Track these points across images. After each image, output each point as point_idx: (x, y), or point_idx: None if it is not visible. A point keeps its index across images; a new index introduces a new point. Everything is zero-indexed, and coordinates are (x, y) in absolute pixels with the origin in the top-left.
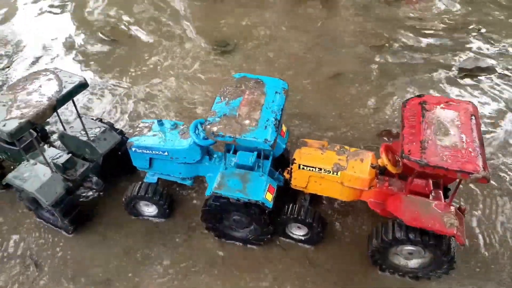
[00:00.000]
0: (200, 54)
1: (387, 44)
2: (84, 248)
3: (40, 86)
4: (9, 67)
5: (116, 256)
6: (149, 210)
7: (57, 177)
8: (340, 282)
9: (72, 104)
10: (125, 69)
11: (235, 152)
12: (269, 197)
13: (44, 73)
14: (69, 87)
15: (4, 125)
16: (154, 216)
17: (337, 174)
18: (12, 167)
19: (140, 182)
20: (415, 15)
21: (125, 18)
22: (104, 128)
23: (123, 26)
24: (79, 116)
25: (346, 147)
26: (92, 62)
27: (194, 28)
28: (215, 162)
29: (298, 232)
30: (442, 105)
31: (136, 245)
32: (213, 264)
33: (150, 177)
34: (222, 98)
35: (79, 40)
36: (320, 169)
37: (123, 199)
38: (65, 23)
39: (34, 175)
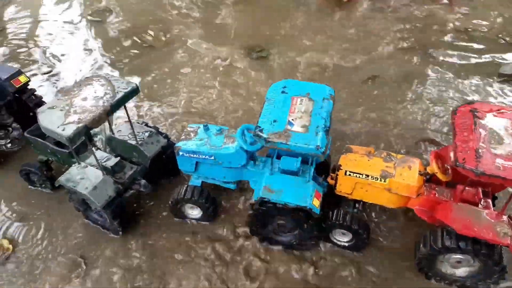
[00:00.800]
0: (236, 59)
1: (427, 49)
2: (129, 248)
3: (95, 92)
4: (51, 71)
5: (160, 255)
6: (194, 212)
7: (108, 180)
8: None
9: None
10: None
11: (277, 157)
12: (316, 203)
13: (97, 78)
14: (122, 92)
15: (63, 130)
16: (198, 219)
17: (384, 181)
18: (63, 170)
19: (186, 185)
20: (456, 18)
21: (160, 23)
22: (151, 132)
23: (161, 32)
24: (129, 121)
25: (393, 153)
26: (125, 64)
27: (232, 32)
28: (259, 167)
29: (342, 238)
30: (494, 113)
31: (178, 247)
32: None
33: (195, 180)
34: (270, 104)
35: (119, 45)
36: (367, 175)
37: (170, 202)
38: (104, 30)
39: (86, 177)
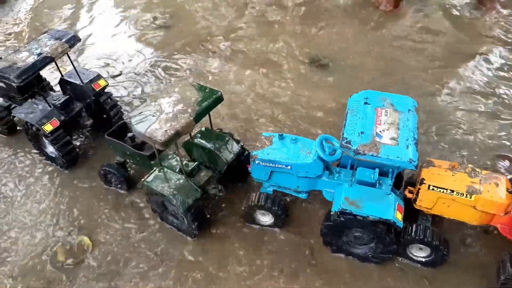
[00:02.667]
0: (296, 69)
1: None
2: (201, 250)
3: (182, 98)
4: (120, 74)
5: (232, 257)
6: (265, 219)
7: (190, 183)
8: None
9: None
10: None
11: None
12: (399, 216)
13: (183, 85)
14: (208, 100)
15: (156, 135)
16: (269, 226)
17: (471, 197)
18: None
19: (258, 192)
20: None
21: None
22: (227, 139)
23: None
24: (211, 126)
25: (478, 169)
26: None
27: (288, 43)
28: (334, 177)
29: (419, 253)
30: None
31: (247, 253)
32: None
33: (267, 188)
34: (354, 115)
35: (181, 52)
36: (452, 191)
37: (243, 208)
38: (168, 36)
39: (169, 181)
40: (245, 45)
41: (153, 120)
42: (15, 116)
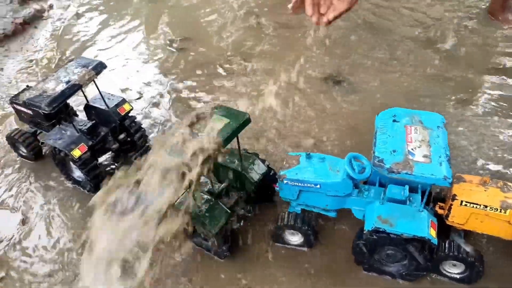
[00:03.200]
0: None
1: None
2: (233, 269)
3: (210, 122)
4: (140, 97)
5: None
6: (294, 239)
7: (219, 205)
8: None
9: None
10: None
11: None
12: (433, 233)
13: (207, 109)
14: (236, 123)
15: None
16: (298, 245)
17: (505, 212)
18: None
19: (287, 212)
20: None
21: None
22: (253, 159)
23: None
24: (239, 149)
25: (510, 183)
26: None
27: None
28: (363, 195)
29: (453, 269)
30: None
31: (278, 272)
32: None
33: (294, 207)
34: (383, 133)
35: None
36: (486, 206)
37: (272, 228)
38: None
39: (200, 203)
40: (263, 63)
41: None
42: (43, 142)
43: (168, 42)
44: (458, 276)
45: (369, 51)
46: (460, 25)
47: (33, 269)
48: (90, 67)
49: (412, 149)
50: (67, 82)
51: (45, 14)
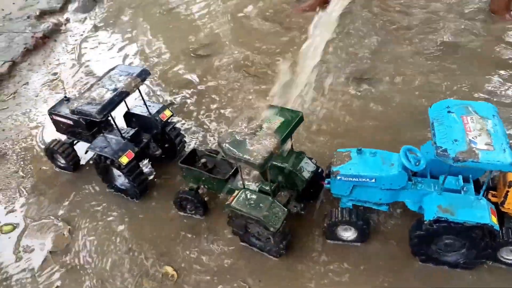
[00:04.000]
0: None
1: None
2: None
3: (266, 121)
4: (172, 104)
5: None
6: (347, 234)
7: (276, 203)
8: None
9: None
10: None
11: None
12: (494, 219)
13: (263, 108)
14: (291, 121)
15: (252, 157)
16: (352, 241)
17: None
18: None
19: (340, 208)
20: None
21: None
22: (302, 157)
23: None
24: (292, 147)
25: None
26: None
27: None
28: (417, 187)
29: (510, 256)
30: None
31: (340, 269)
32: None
33: (346, 203)
34: (441, 124)
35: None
36: None
37: (325, 225)
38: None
39: (253, 202)
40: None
41: (245, 143)
42: (87, 151)
43: (191, 49)
44: None
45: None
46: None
47: None
48: (135, 74)
49: (473, 137)
50: (114, 89)
51: (63, 27)
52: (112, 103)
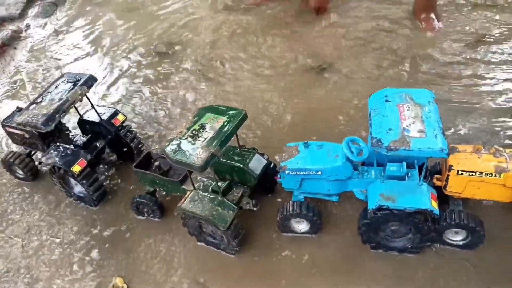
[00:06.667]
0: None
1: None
2: (245, 265)
3: (208, 122)
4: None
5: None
6: (300, 226)
7: (226, 202)
8: (503, 280)
9: None
10: None
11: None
12: (434, 204)
13: (204, 109)
14: (234, 120)
15: (193, 160)
16: (305, 232)
17: (499, 176)
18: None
19: (292, 202)
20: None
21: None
22: (253, 154)
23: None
24: (238, 145)
25: (501, 148)
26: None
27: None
28: (363, 176)
29: (455, 237)
30: None
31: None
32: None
33: (298, 196)
34: (377, 114)
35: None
36: (481, 173)
37: (278, 218)
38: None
39: (204, 202)
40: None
41: (186, 147)
42: (41, 162)
43: (152, 47)
44: (461, 243)
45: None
46: None
47: None
48: (81, 82)
49: (407, 125)
50: (60, 99)
51: (23, 34)
52: (57, 113)
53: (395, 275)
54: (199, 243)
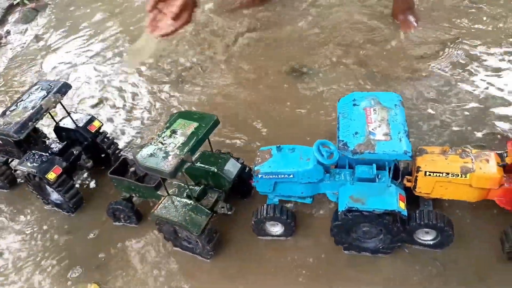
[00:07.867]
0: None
1: None
2: (220, 270)
3: (178, 128)
4: (100, 102)
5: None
6: (275, 229)
7: (199, 207)
8: (473, 279)
9: None
10: None
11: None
12: (402, 205)
13: (174, 116)
14: (205, 126)
15: (162, 166)
16: (280, 235)
17: (465, 177)
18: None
19: (266, 205)
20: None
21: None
22: (227, 158)
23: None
24: (211, 150)
25: (467, 149)
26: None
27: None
28: (335, 178)
29: (426, 237)
30: None
31: (267, 265)
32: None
33: (272, 199)
34: (345, 117)
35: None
36: (448, 173)
37: (252, 222)
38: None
39: (178, 208)
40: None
41: (156, 153)
42: (16, 170)
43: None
44: (431, 243)
45: None
46: None
47: None
48: (54, 90)
49: (372, 129)
50: (33, 107)
51: (3, 40)
52: (30, 121)
53: (367, 277)
54: (175, 248)
